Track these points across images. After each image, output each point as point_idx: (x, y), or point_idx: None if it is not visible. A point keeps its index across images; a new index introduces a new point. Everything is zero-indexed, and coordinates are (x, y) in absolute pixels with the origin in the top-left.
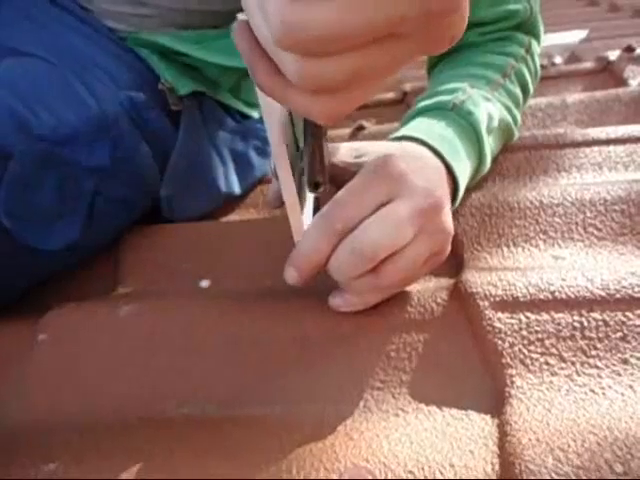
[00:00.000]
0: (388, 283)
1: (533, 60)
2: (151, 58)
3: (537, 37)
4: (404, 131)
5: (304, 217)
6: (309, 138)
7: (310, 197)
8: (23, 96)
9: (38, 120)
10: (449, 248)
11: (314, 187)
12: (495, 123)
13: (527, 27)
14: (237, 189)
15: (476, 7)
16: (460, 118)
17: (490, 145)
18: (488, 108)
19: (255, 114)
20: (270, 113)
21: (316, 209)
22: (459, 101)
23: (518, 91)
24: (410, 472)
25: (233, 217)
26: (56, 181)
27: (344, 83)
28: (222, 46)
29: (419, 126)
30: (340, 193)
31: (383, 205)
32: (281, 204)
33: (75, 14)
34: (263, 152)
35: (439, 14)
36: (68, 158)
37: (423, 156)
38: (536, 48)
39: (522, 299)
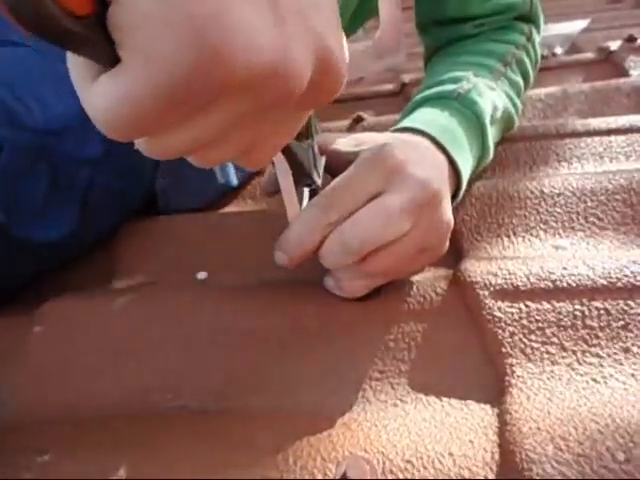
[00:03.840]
0: (373, 271)
1: (534, 48)
2: None
3: (537, 27)
4: (406, 122)
5: (301, 206)
6: None
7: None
8: (13, 87)
9: (29, 111)
10: (446, 242)
11: (306, 185)
12: (499, 113)
13: (527, 17)
14: (234, 180)
15: (468, 3)
16: (464, 108)
17: (493, 136)
18: (492, 98)
19: None
20: None
21: (312, 197)
22: (464, 90)
23: (520, 79)
24: (408, 462)
25: (230, 208)
26: (49, 172)
27: (190, 150)
28: None
29: (421, 117)
30: (333, 183)
31: (377, 196)
32: (275, 191)
33: None
34: None
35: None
36: (60, 149)
37: (424, 147)
38: (536, 37)
39: (522, 288)
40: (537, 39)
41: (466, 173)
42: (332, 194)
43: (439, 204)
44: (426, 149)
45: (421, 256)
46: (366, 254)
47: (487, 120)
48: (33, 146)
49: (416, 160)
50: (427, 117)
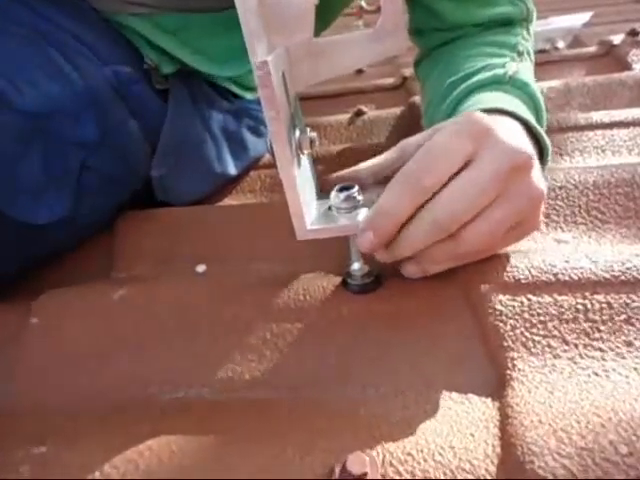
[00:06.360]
0: (466, 250)
1: (531, 41)
2: (135, 38)
3: (532, 23)
4: (474, 107)
5: (302, 197)
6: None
7: (309, 176)
8: (3, 70)
9: (20, 94)
10: (540, 215)
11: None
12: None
13: (524, 19)
14: (232, 169)
15: (467, 14)
16: (517, 90)
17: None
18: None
19: (248, 95)
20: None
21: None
22: (513, 72)
23: (532, 69)
24: (409, 454)
25: (230, 201)
26: (42, 155)
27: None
28: (199, 38)
29: (486, 99)
30: (422, 151)
31: (468, 162)
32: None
33: None
34: (256, 131)
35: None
36: (53, 132)
37: (507, 121)
38: (532, 31)
39: (524, 281)
40: (532, 34)
41: (546, 144)
42: (421, 164)
43: (530, 170)
44: (510, 122)
45: (513, 229)
46: (456, 229)
47: (542, 99)
48: (25, 128)
49: (504, 127)
50: (492, 98)
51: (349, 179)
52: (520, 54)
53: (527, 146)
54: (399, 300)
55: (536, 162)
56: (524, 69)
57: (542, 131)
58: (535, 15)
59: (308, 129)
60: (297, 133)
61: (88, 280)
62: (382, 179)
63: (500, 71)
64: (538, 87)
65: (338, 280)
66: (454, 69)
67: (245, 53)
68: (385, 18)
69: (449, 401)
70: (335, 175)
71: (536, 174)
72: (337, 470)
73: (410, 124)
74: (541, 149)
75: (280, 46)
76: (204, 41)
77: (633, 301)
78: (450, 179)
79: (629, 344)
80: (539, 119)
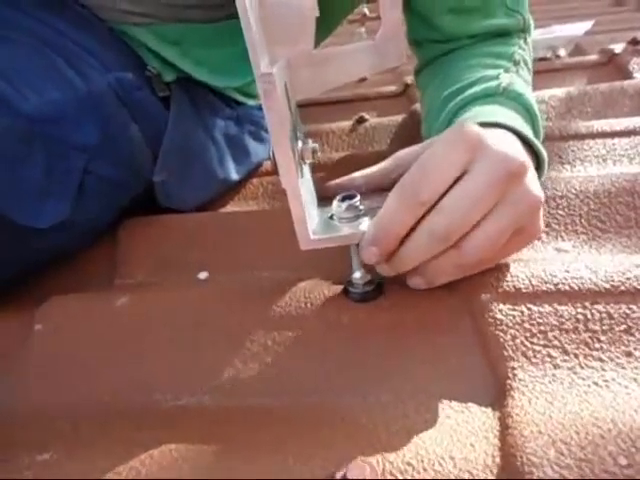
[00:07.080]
0: (468, 261)
1: (529, 50)
2: (137, 47)
3: (530, 34)
4: (469, 120)
5: (306, 207)
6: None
7: (310, 185)
8: (6, 75)
9: (23, 98)
10: (540, 221)
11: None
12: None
13: (521, 30)
14: (234, 175)
15: (464, 25)
16: (512, 101)
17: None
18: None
19: (250, 102)
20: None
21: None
22: (506, 84)
23: (529, 77)
24: (409, 464)
25: (232, 208)
26: (44, 158)
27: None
28: (200, 48)
29: (481, 112)
30: (417, 164)
31: (464, 172)
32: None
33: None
34: (258, 136)
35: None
36: (55, 136)
37: (499, 132)
38: (530, 42)
39: (524, 290)
40: (530, 43)
41: (542, 154)
42: (417, 176)
43: (524, 177)
44: (504, 134)
45: (514, 237)
46: (456, 240)
47: (537, 108)
48: (27, 131)
49: (496, 136)
50: (487, 111)
51: (344, 187)
52: (516, 63)
53: (520, 153)
54: (400, 309)
55: (531, 169)
56: (519, 79)
57: (538, 143)
58: (533, 26)
59: (310, 140)
60: (300, 143)
61: (91, 287)
62: (376, 189)
63: (493, 83)
64: (534, 96)
65: (339, 288)
66: (450, 81)
67: (246, 64)
68: (385, 30)
69: (449, 410)
70: (331, 183)
71: (532, 181)
72: (337, 478)
73: (412, 131)
74: (538, 160)
75: (282, 57)
76: (205, 51)
77: (633, 311)
78: (448, 189)
79: (629, 354)
80: (535, 129)
